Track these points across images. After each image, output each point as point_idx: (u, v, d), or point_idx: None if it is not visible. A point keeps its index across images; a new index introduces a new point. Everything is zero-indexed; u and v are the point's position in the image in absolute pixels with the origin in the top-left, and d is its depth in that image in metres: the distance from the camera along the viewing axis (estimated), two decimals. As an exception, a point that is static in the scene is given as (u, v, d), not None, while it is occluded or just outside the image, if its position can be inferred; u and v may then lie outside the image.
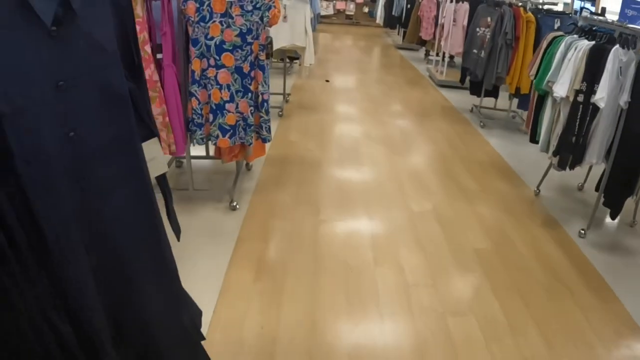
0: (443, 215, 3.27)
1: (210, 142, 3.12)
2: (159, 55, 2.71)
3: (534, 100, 3.66)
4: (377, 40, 11.19)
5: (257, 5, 2.70)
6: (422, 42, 8.61)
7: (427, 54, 8.81)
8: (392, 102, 6.06)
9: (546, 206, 3.56)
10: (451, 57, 7.50)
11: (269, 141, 3.06)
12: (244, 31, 2.72)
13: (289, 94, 5.87)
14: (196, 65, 2.75)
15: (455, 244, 2.94)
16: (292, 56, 5.60)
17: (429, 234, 3.01)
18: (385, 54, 9.73)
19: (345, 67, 8.04)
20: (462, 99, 6.33)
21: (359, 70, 7.88)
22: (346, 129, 4.95)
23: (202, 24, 2.69)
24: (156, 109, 2.76)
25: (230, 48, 2.75)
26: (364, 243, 2.90)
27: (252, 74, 2.83)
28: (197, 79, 2.78)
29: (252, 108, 2.89)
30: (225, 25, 2.70)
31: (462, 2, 6.81)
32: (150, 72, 2.70)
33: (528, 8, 5.03)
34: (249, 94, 2.85)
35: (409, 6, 9.47)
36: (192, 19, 2.67)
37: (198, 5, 2.65)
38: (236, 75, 2.81)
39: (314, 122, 5.09)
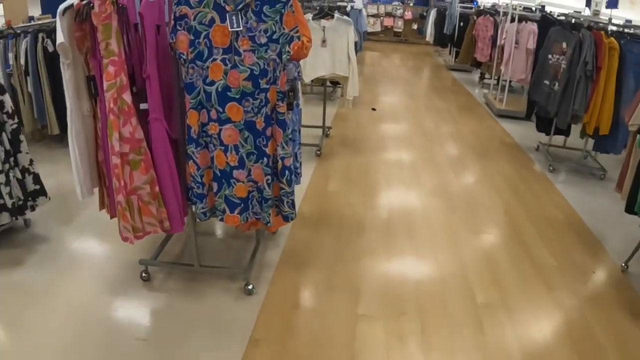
0: (514, 311, 2.31)
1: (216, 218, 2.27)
2: (143, 106, 1.94)
3: (634, 159, 2.64)
4: (427, 60, 10.18)
5: (274, 37, 1.85)
6: (477, 64, 7.56)
7: (482, 77, 7.75)
8: (446, 137, 5.09)
9: (638, 290, 2.55)
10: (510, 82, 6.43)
11: (292, 219, 2.19)
12: (256, 72, 1.88)
13: (329, 128, 5.00)
14: (192, 119, 1.94)
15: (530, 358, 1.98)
16: (334, 80, 4.75)
17: (495, 341, 2.07)
18: (437, 75, 8.71)
19: (393, 91, 7.11)
20: (525, 132, 5.26)
21: (408, 95, 6.92)
22: (395, 175, 4.01)
23: (198, 63, 1.87)
24: (140, 177, 1.97)
25: (238, 96, 1.91)
26: (415, 354, 2.00)
27: (269, 131, 1.98)
28: (195, 136, 1.97)
29: (268, 177, 2.04)
30: (230, 65, 1.87)
31: (526, 22, 5.75)
32: (131, 128, 1.91)
33: (609, 32, 3.95)
34: (265, 159, 2.00)
35: (461, 24, 8.43)
36: (185, 57, 1.86)
37: (192, 38, 1.84)
38: (247, 134, 1.97)
39: (358, 165, 4.18)
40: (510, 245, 2.95)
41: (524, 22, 5.70)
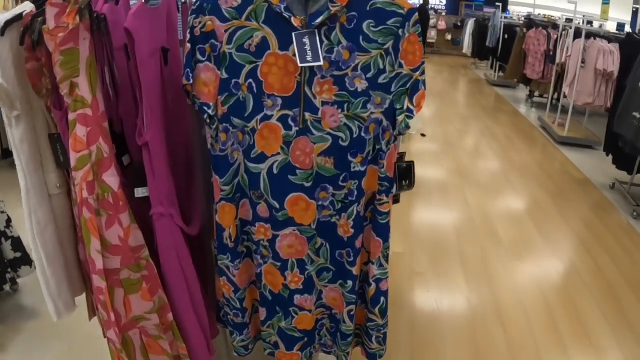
0: None
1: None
2: (140, 192, 1.04)
3: None
4: (464, 73, 9.09)
5: (382, 80, 0.91)
6: (526, 80, 6.51)
7: (531, 95, 6.68)
8: (513, 171, 4.07)
9: None
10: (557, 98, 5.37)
11: (380, 357, 1.23)
12: (344, 143, 0.93)
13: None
14: (226, 216, 1.01)
15: None
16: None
17: None
18: (479, 90, 7.62)
19: (438, 110, 6.08)
20: (595, 166, 4.22)
21: (456, 115, 5.90)
22: (466, 232, 3.03)
23: (236, 122, 0.94)
24: (142, 303, 1.04)
25: (309, 184, 0.97)
26: None
27: (359, 241, 1.03)
28: (230, 244, 1.03)
29: (352, 306, 1.09)
30: (296, 128, 0.93)
31: (595, 39, 4.71)
32: (121, 231, 0.98)
33: None
34: (349, 281, 1.06)
35: (506, 36, 7.36)
36: (211, 110, 0.94)
37: (224, 76, 0.92)
38: (320, 242, 1.04)
39: (423, 217, 3.20)
40: (616, 326, 1.99)
41: (592, 39, 4.66)
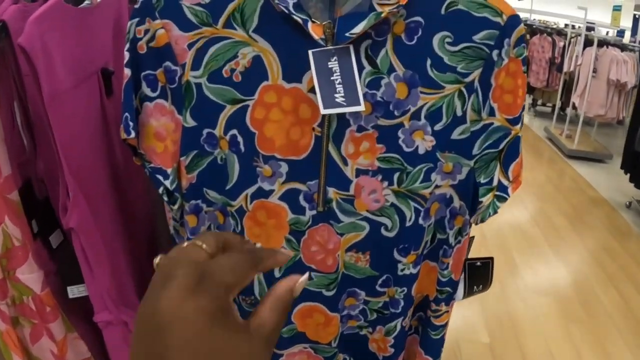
0: None
1: None
2: (75, 291, 0.64)
3: None
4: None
5: (458, 133, 0.51)
6: (529, 88, 6.13)
7: (534, 103, 6.29)
8: (522, 190, 3.54)
9: None
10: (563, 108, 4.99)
11: None
12: (389, 231, 0.53)
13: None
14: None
15: None
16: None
17: None
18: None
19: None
20: (608, 182, 3.84)
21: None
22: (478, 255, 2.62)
23: (210, 195, 0.54)
24: None
25: (332, 292, 0.56)
26: None
27: None
28: None
29: None
30: (309, 210, 0.55)
31: (607, 48, 4.33)
32: (52, 345, 0.61)
33: None
34: None
35: (506, 44, 6.97)
36: (167, 178, 0.52)
37: (189, 124, 0.51)
38: (342, 358, 0.63)
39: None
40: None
41: (605, 47, 4.29)
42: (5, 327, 0.62)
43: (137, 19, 0.50)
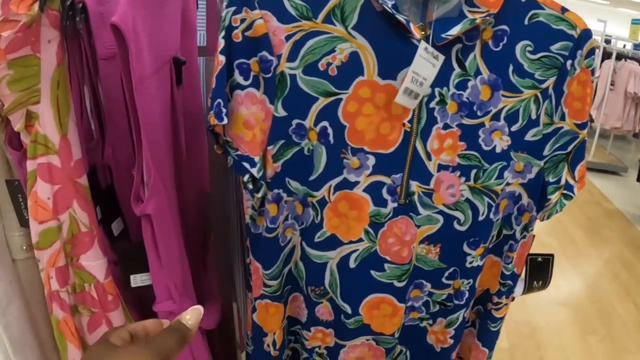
0: None
1: None
2: (138, 279, 0.62)
3: None
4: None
5: (531, 136, 0.54)
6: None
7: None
8: None
9: None
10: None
11: None
12: (461, 225, 0.56)
13: None
14: (270, 318, 0.61)
15: None
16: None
17: None
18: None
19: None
20: (623, 194, 3.94)
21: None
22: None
23: (294, 187, 0.56)
24: None
25: (403, 282, 0.59)
26: None
27: (454, 354, 0.65)
28: (273, 351, 0.64)
29: None
30: (393, 203, 0.55)
31: (625, 61, 4.45)
32: None
33: None
34: None
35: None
36: (256, 167, 0.54)
37: (280, 113, 0.53)
38: (400, 350, 0.65)
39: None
40: None
41: (623, 60, 4.40)
42: (63, 315, 0.61)
43: (233, 8, 0.51)
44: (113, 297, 0.62)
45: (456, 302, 0.61)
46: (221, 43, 0.53)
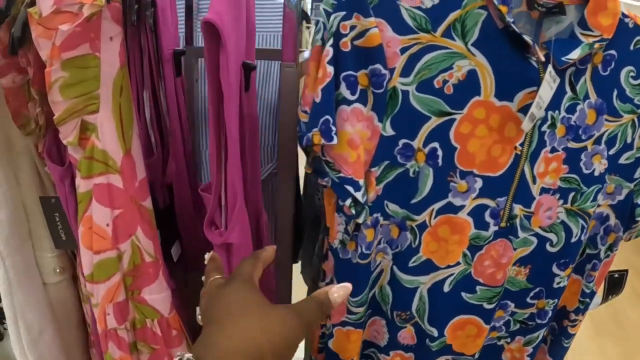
0: None
1: None
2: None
3: None
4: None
5: (623, 158, 0.54)
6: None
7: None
8: None
9: None
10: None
11: None
12: (553, 247, 0.55)
13: None
14: (350, 345, 0.57)
15: None
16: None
17: None
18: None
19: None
20: None
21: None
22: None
23: (393, 210, 0.52)
24: None
25: (491, 304, 0.57)
26: None
27: None
28: None
29: None
30: (493, 225, 0.54)
31: None
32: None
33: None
34: None
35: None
36: (359, 190, 0.49)
37: (388, 132, 0.50)
38: None
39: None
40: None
41: None
42: (120, 355, 0.54)
43: (342, 13, 0.46)
44: (177, 332, 0.55)
45: (538, 321, 0.61)
46: (329, 52, 0.47)
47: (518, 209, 0.54)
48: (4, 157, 0.57)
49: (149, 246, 0.52)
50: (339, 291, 0.39)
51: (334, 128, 0.48)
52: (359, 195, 0.50)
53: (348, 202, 0.51)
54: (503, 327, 0.63)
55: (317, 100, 0.48)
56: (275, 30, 0.81)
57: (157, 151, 0.56)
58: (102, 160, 0.48)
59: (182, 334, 0.56)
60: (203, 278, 0.43)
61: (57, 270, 0.63)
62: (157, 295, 0.54)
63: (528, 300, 0.61)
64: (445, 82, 0.49)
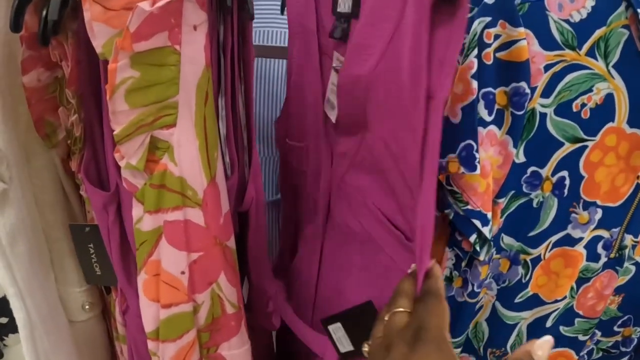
0: None
1: None
2: None
3: None
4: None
5: None
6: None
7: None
8: None
9: None
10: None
11: None
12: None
13: None
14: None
15: None
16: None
17: None
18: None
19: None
20: None
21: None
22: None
23: (507, 241, 0.47)
24: None
25: (588, 336, 0.54)
26: None
27: None
28: None
29: None
30: (604, 256, 0.49)
31: None
32: None
33: None
34: None
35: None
36: (487, 224, 0.42)
37: (522, 160, 0.44)
38: None
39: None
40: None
41: None
42: None
43: (488, 19, 0.39)
44: None
45: (622, 349, 0.60)
46: (473, 64, 0.40)
47: (629, 239, 0.52)
48: (22, 174, 0.44)
49: (232, 295, 0.43)
50: (543, 347, 0.32)
51: (477, 155, 0.41)
52: (486, 230, 0.44)
53: (473, 238, 0.45)
54: (586, 356, 0.61)
55: (456, 121, 0.41)
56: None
57: (234, 174, 0.44)
58: (179, 190, 0.38)
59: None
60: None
61: (87, 307, 0.53)
62: (237, 351, 0.44)
63: (615, 328, 0.59)
64: (583, 105, 0.45)
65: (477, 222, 0.45)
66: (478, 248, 0.46)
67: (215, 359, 0.44)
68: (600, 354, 0.62)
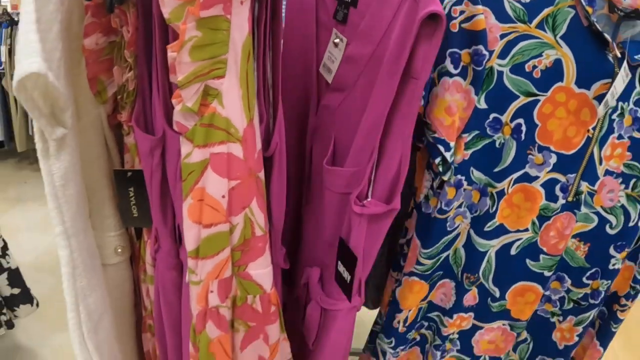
0: None
1: None
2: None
3: None
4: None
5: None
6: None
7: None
8: None
9: None
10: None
11: None
12: (612, 229, 0.63)
13: None
14: (412, 295, 0.65)
15: None
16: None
17: None
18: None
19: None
20: None
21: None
22: None
23: (475, 175, 0.61)
24: None
25: (550, 272, 0.65)
26: None
27: (575, 352, 0.73)
28: (401, 327, 0.68)
29: None
30: (561, 201, 0.61)
31: None
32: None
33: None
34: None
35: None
36: (448, 150, 0.57)
37: (483, 106, 0.58)
38: (525, 337, 0.72)
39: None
40: None
41: None
42: (218, 335, 0.53)
43: None
44: (276, 307, 0.56)
45: (591, 301, 0.68)
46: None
47: (584, 185, 0.62)
48: (74, 129, 0.52)
49: (261, 219, 0.52)
50: None
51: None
52: (448, 154, 0.59)
53: (438, 160, 0.59)
54: (557, 303, 0.70)
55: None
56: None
57: (264, 123, 0.55)
58: (224, 128, 0.47)
59: (278, 311, 0.57)
60: None
61: (119, 251, 0.62)
62: (262, 270, 0.53)
63: (584, 280, 0.68)
64: (534, 67, 0.58)
65: (441, 147, 0.59)
66: (441, 169, 0.59)
67: (244, 277, 0.53)
68: (572, 304, 0.70)
